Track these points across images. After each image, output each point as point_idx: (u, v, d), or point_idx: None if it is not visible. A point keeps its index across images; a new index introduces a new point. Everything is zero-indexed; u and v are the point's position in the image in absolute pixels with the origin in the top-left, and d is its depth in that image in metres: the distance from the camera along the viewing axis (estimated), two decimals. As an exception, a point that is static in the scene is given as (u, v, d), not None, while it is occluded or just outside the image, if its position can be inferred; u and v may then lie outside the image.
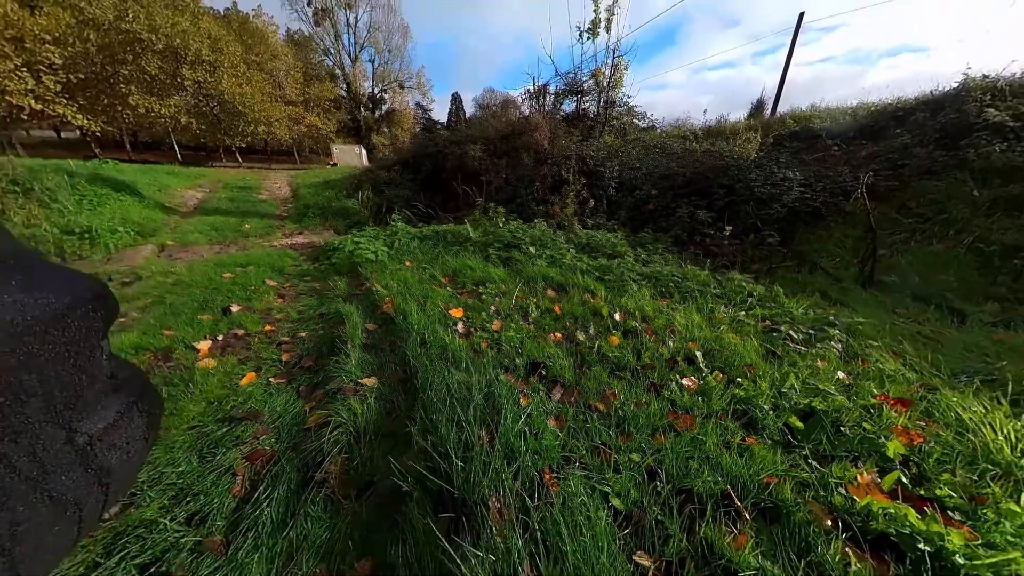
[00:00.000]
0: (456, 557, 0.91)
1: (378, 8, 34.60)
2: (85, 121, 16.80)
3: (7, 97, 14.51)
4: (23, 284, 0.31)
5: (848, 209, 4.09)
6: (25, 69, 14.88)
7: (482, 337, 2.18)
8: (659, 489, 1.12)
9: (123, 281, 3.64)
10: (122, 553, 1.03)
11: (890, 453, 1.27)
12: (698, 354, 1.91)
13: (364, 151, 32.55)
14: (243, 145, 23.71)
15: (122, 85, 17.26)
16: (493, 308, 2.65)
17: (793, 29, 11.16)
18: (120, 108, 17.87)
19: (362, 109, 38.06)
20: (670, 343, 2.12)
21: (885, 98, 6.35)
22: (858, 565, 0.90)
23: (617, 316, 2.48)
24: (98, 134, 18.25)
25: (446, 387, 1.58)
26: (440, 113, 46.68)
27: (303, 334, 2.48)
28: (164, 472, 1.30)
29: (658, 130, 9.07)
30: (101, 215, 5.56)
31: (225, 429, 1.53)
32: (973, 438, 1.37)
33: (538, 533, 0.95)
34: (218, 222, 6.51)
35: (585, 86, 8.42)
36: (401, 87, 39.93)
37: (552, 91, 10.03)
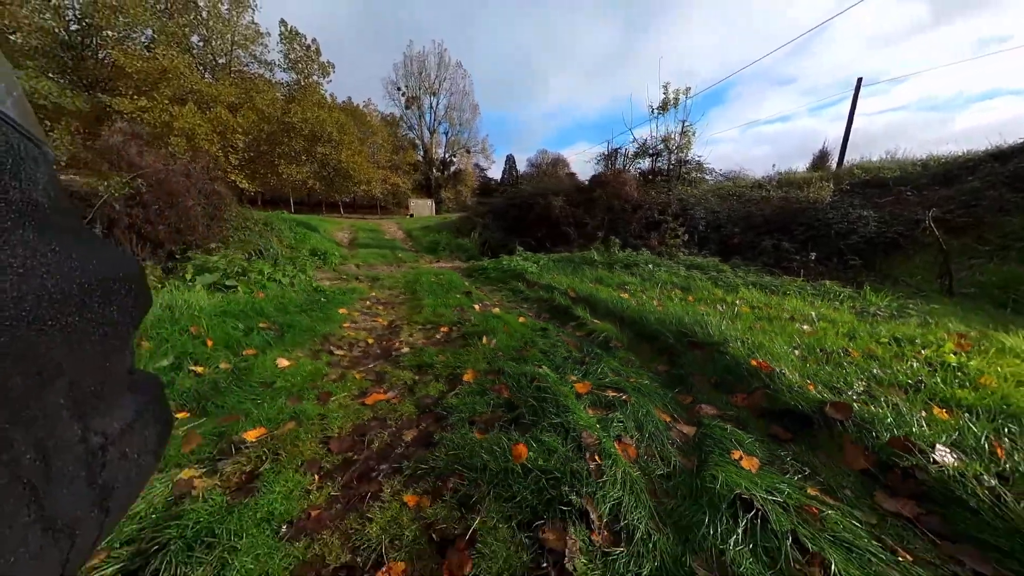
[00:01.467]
0: (714, 358, 2.18)
1: (456, 93, 42.62)
2: (248, 185, 22.63)
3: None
4: (73, 242, 0.26)
5: (926, 241, 4.94)
6: (220, 150, 21.00)
7: (652, 307, 3.50)
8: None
9: (369, 279, 5.64)
10: (551, 354, 2.45)
11: (946, 349, 2.31)
12: (812, 314, 3.05)
13: (434, 204, 38.73)
14: (346, 200, 29.43)
15: (275, 159, 23.27)
16: (644, 297, 3.99)
17: (854, 88, 12.48)
18: (269, 175, 23.84)
19: (434, 170, 45.02)
20: (786, 314, 3.26)
21: (954, 151, 7.20)
22: (920, 367, 2.01)
23: (738, 302, 3.68)
24: (250, 194, 24.27)
25: (656, 318, 2.91)
26: (495, 172, 53.61)
27: (526, 306, 4.02)
28: (536, 342, 2.75)
29: (711, 181, 10.41)
30: (313, 244, 8.11)
31: (540, 333, 2.99)
32: (1007, 349, 2.34)
33: (757, 350, 2.20)
34: (379, 252, 8.88)
35: (658, 148, 10.30)
36: (468, 152, 47.00)
37: (623, 153, 12.16)
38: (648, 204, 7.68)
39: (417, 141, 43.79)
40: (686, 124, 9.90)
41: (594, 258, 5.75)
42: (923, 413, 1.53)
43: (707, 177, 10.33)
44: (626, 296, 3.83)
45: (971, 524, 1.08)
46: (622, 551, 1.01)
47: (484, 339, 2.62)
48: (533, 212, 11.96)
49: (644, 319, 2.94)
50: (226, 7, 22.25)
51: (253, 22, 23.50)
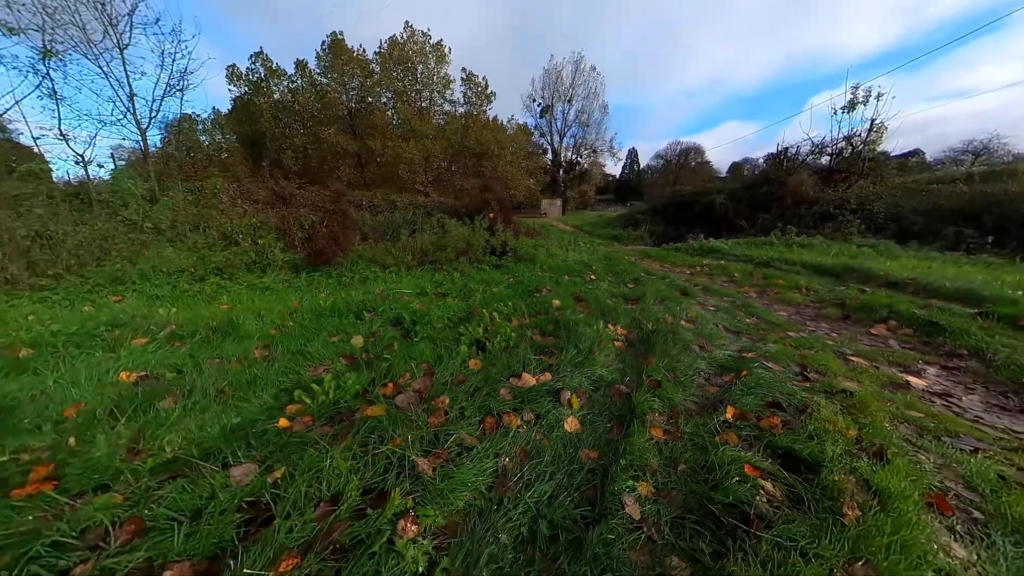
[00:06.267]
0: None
1: (588, 97, 46.69)
2: (436, 195, 31.55)
3: (415, 186, 29.58)
4: None
5: None
6: (423, 171, 30.04)
7: (827, 261, 6.41)
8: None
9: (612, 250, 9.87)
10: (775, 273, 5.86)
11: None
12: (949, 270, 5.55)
13: (561, 204, 44.27)
14: (497, 204, 37.00)
15: (452, 174, 31.65)
16: (820, 259, 6.84)
17: None
18: (447, 186, 32.48)
19: (561, 172, 50.25)
20: (926, 267, 5.73)
21: None
22: (986, 276, 4.66)
23: (892, 264, 6.21)
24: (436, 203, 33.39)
25: (829, 263, 5.92)
26: (614, 167, 55.70)
27: (734, 265, 7.39)
28: (758, 270, 6.18)
29: (928, 160, 10.95)
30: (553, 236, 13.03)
31: (755, 271, 6.38)
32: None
33: (886, 269, 5.15)
34: (591, 239, 13.34)
35: (839, 147, 11.75)
36: (594, 152, 50.57)
37: (792, 152, 13.65)
38: (823, 200, 9.70)
39: (547, 146, 49.70)
40: (876, 123, 11.15)
41: (772, 241, 8.53)
42: (960, 283, 4.38)
43: (925, 157, 11.16)
44: (806, 258, 6.78)
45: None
46: (817, 292, 4.51)
47: (733, 270, 6.20)
48: (694, 209, 14.79)
49: (821, 263, 6.00)
50: (432, 65, 31.69)
51: (447, 73, 32.57)
